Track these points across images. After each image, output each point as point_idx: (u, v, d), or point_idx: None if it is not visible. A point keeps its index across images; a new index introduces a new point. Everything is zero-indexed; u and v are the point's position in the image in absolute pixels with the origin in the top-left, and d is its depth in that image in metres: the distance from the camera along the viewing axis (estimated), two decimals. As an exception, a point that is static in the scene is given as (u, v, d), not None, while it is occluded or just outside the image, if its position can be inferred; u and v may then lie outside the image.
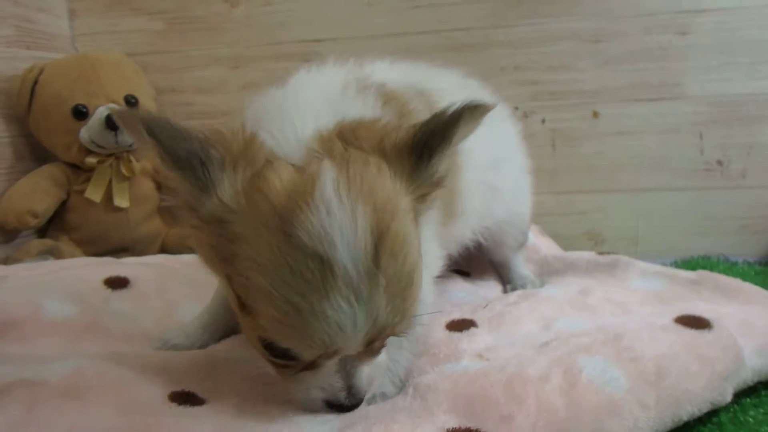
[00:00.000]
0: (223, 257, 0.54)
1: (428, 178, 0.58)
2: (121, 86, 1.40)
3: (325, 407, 0.59)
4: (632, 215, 1.49)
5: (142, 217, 1.48)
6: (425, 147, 0.56)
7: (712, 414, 0.76)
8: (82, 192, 1.40)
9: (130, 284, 1.06)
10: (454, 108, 0.55)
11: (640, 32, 1.41)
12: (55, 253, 1.29)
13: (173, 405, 0.65)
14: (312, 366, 0.56)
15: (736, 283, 0.97)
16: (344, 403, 0.58)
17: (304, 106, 0.62)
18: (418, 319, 0.59)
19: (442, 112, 0.55)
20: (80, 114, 1.35)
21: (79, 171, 1.43)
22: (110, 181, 1.40)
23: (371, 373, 0.59)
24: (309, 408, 0.60)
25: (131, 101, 1.40)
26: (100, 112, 1.34)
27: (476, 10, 1.46)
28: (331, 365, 0.56)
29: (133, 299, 1.02)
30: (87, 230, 1.42)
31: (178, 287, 1.10)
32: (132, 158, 1.42)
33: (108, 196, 1.41)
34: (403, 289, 0.53)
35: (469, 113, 0.55)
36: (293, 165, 0.54)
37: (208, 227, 0.54)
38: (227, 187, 0.53)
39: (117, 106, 1.36)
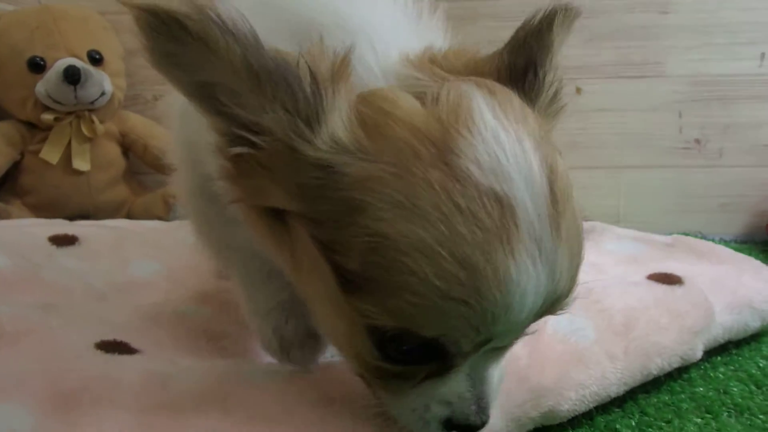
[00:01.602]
0: (319, 217, 0.40)
1: (548, 101, 0.47)
2: (85, 41, 1.33)
3: (442, 430, 0.44)
4: (614, 192, 1.47)
5: (106, 183, 1.41)
6: (529, 63, 0.45)
7: (683, 370, 0.75)
8: (38, 152, 1.32)
9: (79, 242, 1.00)
10: (541, 14, 0.46)
11: (623, 10, 1.40)
12: (2, 215, 1.21)
13: (99, 353, 0.60)
14: (442, 370, 0.42)
15: (709, 245, 0.96)
16: (473, 422, 0.44)
17: (381, 24, 0.48)
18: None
19: (529, 22, 0.46)
20: (37, 66, 1.27)
21: (36, 130, 1.35)
22: (69, 142, 1.33)
23: (499, 380, 0.46)
24: (422, 429, 0.45)
25: (95, 57, 1.34)
26: (59, 65, 1.27)
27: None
28: (464, 368, 0.43)
29: (81, 257, 0.96)
30: (42, 194, 1.34)
31: (133, 247, 1.04)
32: (94, 118, 1.35)
33: (67, 158, 1.34)
34: (580, 244, 0.42)
35: (562, 16, 0.46)
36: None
37: (296, 178, 0.40)
38: (338, 117, 0.39)
39: (78, 61, 1.29)
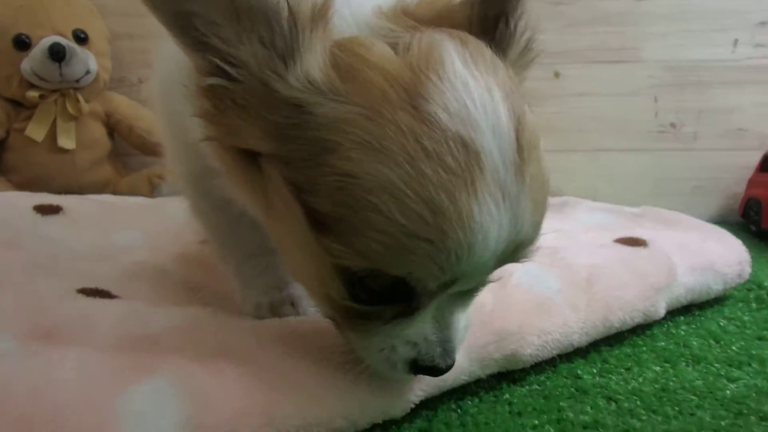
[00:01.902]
0: (289, 158, 0.40)
1: (520, 52, 0.47)
2: (71, 20, 1.35)
3: (408, 371, 0.45)
4: (592, 175, 1.51)
5: (91, 163, 1.43)
6: (500, 14, 0.45)
7: (646, 327, 0.78)
8: (23, 130, 1.33)
9: (63, 211, 1.02)
10: None
11: (601, -4, 1.43)
12: (-12, 190, 1.22)
13: (80, 296, 0.62)
14: (408, 311, 0.43)
15: (676, 214, 0.99)
16: (438, 364, 0.45)
17: None
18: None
19: None
20: (22, 44, 1.29)
21: (21, 108, 1.36)
22: (55, 120, 1.35)
23: (464, 327, 0.47)
24: (387, 374, 0.47)
25: (80, 36, 1.35)
26: (44, 42, 1.28)
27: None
28: (430, 310, 0.44)
29: (64, 225, 0.98)
30: (27, 172, 1.35)
31: (117, 218, 1.06)
32: (80, 97, 1.36)
33: (52, 137, 1.35)
34: (544, 194, 0.43)
35: None
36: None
37: (268, 116, 0.40)
38: (315, 58, 0.39)
39: (63, 39, 1.31)
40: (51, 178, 1.37)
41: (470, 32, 0.45)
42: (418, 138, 0.37)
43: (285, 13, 0.39)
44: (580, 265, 0.73)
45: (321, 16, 0.41)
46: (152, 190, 1.43)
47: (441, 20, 0.45)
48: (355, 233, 0.38)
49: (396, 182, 0.37)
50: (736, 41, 1.43)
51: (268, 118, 0.40)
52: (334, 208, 0.39)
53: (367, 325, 0.45)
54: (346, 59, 0.40)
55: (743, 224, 1.43)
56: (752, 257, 1.14)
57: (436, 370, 0.45)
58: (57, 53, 1.26)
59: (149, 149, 1.48)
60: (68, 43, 1.31)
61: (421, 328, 0.44)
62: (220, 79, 0.41)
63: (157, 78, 0.63)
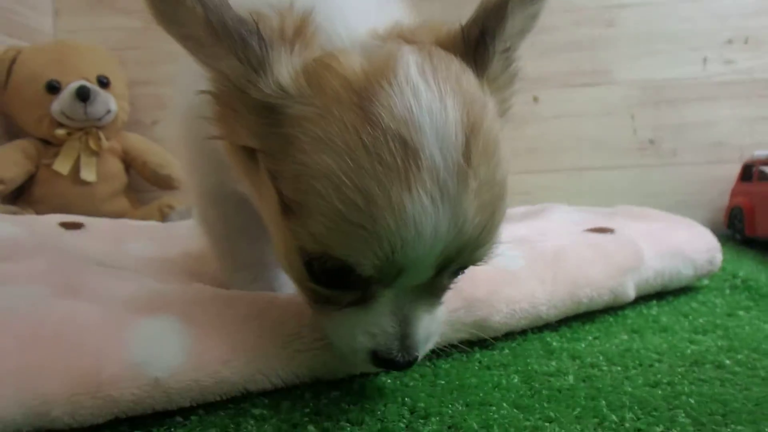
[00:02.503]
0: (268, 151, 0.46)
1: (500, 69, 0.50)
2: (95, 67, 1.51)
3: (371, 362, 0.48)
4: (575, 193, 1.57)
5: (109, 195, 1.55)
6: (482, 34, 0.48)
7: (618, 309, 0.82)
8: (51, 165, 1.47)
9: (85, 227, 1.11)
10: None
11: (573, 24, 1.56)
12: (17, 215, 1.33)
13: (99, 268, 0.70)
14: (363, 299, 0.47)
15: (647, 210, 1.04)
16: (395, 358, 0.47)
17: (351, 5, 0.53)
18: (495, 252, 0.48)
19: None
20: (53, 89, 1.44)
21: (50, 146, 1.50)
22: (78, 156, 1.48)
23: (429, 328, 0.49)
24: (352, 360, 0.51)
25: (103, 81, 1.51)
26: (72, 86, 1.44)
27: (427, 8, 1.61)
28: (386, 301, 0.46)
29: (86, 237, 1.07)
30: (52, 202, 1.47)
31: (131, 233, 1.15)
32: (101, 134, 1.50)
33: (76, 170, 1.48)
34: (494, 200, 0.45)
35: None
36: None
37: (253, 117, 0.46)
38: (284, 68, 0.45)
39: (88, 82, 1.46)
40: (73, 207, 1.47)
41: (453, 51, 0.48)
42: (360, 134, 0.41)
43: (254, 34, 0.45)
44: (545, 246, 0.79)
45: (299, 31, 0.46)
46: (163, 218, 1.54)
47: (430, 41, 0.49)
48: (307, 216, 0.43)
49: (336, 172, 0.41)
50: (705, 59, 1.52)
51: (251, 118, 0.46)
52: (294, 194, 0.44)
53: (328, 308, 0.49)
54: (316, 68, 0.45)
55: (730, 236, 1.47)
56: (734, 259, 1.19)
57: (394, 363, 0.47)
58: (83, 94, 1.41)
59: (160, 182, 1.61)
60: (92, 86, 1.46)
61: (378, 319, 0.47)
62: (216, 88, 0.48)
63: (177, 98, 0.70)
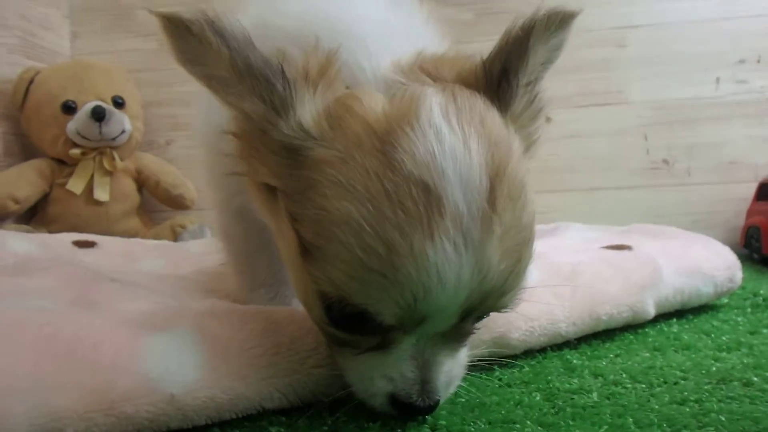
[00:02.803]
0: (289, 192, 0.45)
1: (523, 106, 0.49)
2: (110, 88, 1.53)
3: (390, 406, 0.47)
4: (588, 214, 1.55)
5: (121, 214, 1.56)
6: (504, 70, 0.47)
7: (638, 327, 0.80)
8: (65, 185, 1.48)
9: (97, 246, 1.12)
10: (521, 22, 0.47)
11: (585, 45, 1.56)
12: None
13: (113, 282, 0.70)
14: (383, 344, 0.45)
15: (662, 227, 1.03)
16: (415, 402, 0.46)
17: (375, 32, 0.52)
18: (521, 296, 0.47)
19: (510, 31, 0.47)
20: (69, 109, 1.46)
21: (64, 166, 1.52)
22: (92, 176, 1.49)
23: (450, 372, 0.48)
24: (371, 403, 0.48)
25: (118, 101, 1.53)
26: (88, 106, 1.46)
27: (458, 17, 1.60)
28: (405, 347, 0.45)
29: (98, 255, 1.08)
30: (66, 222, 1.48)
31: (143, 251, 1.16)
32: (115, 154, 1.52)
33: (89, 190, 1.49)
34: (520, 245, 0.43)
35: (542, 24, 0.46)
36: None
37: (274, 157, 0.45)
38: (307, 109, 0.44)
39: (103, 103, 1.48)
40: (86, 227, 1.48)
41: (476, 88, 0.47)
42: (382, 180, 0.40)
43: (279, 75, 0.44)
44: (562, 262, 0.78)
45: (321, 74, 0.46)
46: (175, 238, 1.54)
47: (453, 76, 0.49)
48: (327, 261, 0.42)
49: (357, 218, 0.40)
50: (718, 79, 1.53)
51: (272, 158, 0.46)
52: (314, 238, 0.43)
53: (347, 352, 0.48)
54: (338, 110, 0.44)
55: (747, 255, 1.45)
56: (754, 278, 1.17)
57: (414, 408, 0.46)
58: (98, 114, 1.43)
59: (173, 202, 1.62)
60: (108, 106, 1.48)
61: (397, 364, 0.46)
62: (238, 126, 0.48)
63: (200, 122, 0.71)
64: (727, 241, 1.54)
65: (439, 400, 0.47)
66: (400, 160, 0.40)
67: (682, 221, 1.52)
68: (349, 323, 0.45)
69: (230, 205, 0.72)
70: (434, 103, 0.43)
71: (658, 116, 1.54)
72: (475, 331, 0.51)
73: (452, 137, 0.42)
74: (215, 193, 0.75)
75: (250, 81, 0.44)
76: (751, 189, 1.49)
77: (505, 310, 0.46)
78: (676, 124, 1.53)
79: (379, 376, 0.46)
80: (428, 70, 0.49)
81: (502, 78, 0.47)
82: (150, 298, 0.66)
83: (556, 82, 1.61)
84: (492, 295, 0.44)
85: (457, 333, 0.47)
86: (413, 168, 0.40)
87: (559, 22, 0.48)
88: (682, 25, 1.53)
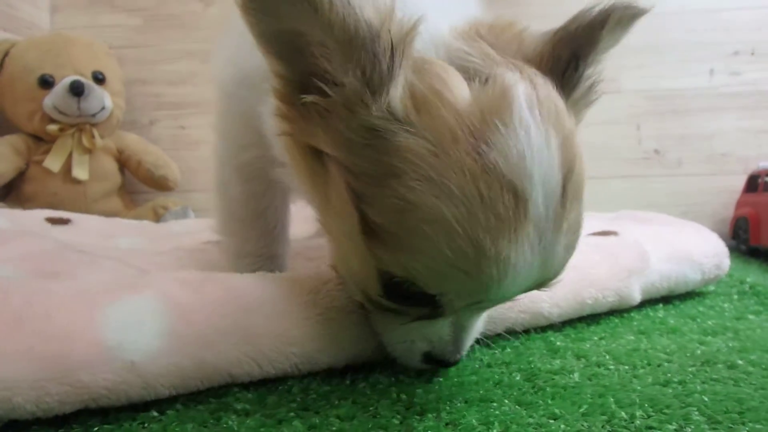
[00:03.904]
0: (357, 171, 0.43)
1: (582, 94, 0.49)
2: (90, 62, 1.48)
3: (422, 361, 0.51)
4: (578, 202, 1.54)
5: (101, 194, 1.51)
6: (573, 56, 0.46)
7: (624, 311, 0.79)
8: (42, 162, 1.43)
9: (72, 223, 1.09)
10: (598, 9, 0.45)
11: (577, 32, 1.54)
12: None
13: (80, 253, 0.67)
14: (433, 315, 0.48)
15: (651, 214, 1.01)
16: (448, 359, 0.51)
17: None
18: None
19: (586, 12, 0.46)
20: (46, 83, 1.41)
21: (41, 142, 1.47)
22: (71, 153, 1.44)
23: (478, 328, 0.53)
24: (406, 361, 0.53)
25: (99, 77, 1.48)
26: (66, 80, 1.40)
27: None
28: (450, 316, 0.48)
29: (72, 232, 1.04)
30: (42, 200, 1.43)
31: (120, 229, 1.12)
32: (95, 132, 1.47)
33: (67, 168, 1.44)
34: (575, 240, 0.46)
35: (617, 15, 0.46)
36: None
37: (346, 131, 0.43)
38: (399, 90, 0.42)
39: (82, 77, 1.43)
40: (64, 206, 1.44)
41: (539, 67, 0.46)
42: (476, 182, 0.40)
43: (387, 50, 0.40)
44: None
45: (408, 43, 0.42)
46: (157, 220, 1.50)
47: (513, 49, 0.47)
48: (403, 250, 0.42)
49: (450, 219, 0.40)
50: (711, 70, 1.51)
51: (345, 133, 0.43)
52: (389, 224, 0.42)
53: (393, 320, 0.50)
54: (424, 91, 0.42)
55: (735, 247, 1.44)
56: (741, 267, 1.16)
57: (444, 363, 0.51)
58: (76, 88, 1.38)
59: (155, 183, 1.58)
60: (87, 81, 1.43)
61: (439, 329, 0.49)
62: (314, 96, 0.43)
63: (220, 66, 0.66)
64: (716, 233, 1.54)
65: (462, 355, 0.51)
66: (495, 162, 0.40)
67: (671, 212, 1.50)
68: (407, 299, 0.46)
69: (236, 159, 0.69)
70: (522, 95, 0.42)
71: (651, 106, 1.52)
72: None
73: (538, 137, 0.42)
74: (222, 143, 0.72)
75: (356, 51, 0.40)
76: (741, 181, 1.48)
77: (546, 289, 0.49)
78: (668, 114, 1.52)
79: (420, 338, 0.50)
80: (488, 38, 0.47)
81: (569, 64, 0.46)
82: (118, 270, 0.63)
83: (549, 69, 1.60)
84: (548, 281, 0.47)
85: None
86: (506, 170, 0.40)
87: (631, 16, 0.48)
88: (676, 15, 1.52)
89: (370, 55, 0.40)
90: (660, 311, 0.80)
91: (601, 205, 1.54)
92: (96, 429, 0.43)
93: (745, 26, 1.53)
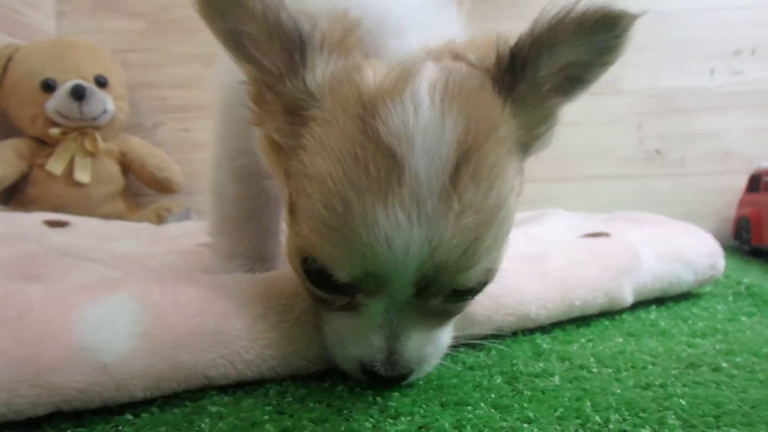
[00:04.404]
0: (286, 146, 0.47)
1: (535, 102, 0.48)
2: (93, 67, 1.50)
3: (360, 372, 0.49)
4: (581, 202, 1.53)
5: (104, 197, 1.53)
6: (515, 55, 0.46)
7: (617, 314, 0.78)
8: (44, 166, 1.45)
9: (70, 225, 1.10)
10: (564, 11, 0.44)
11: (577, 31, 1.53)
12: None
13: (67, 257, 0.68)
14: (352, 305, 0.48)
15: (646, 215, 1.00)
16: (379, 371, 0.47)
17: (411, 12, 0.54)
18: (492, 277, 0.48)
19: (543, 14, 0.45)
20: (48, 87, 1.43)
21: (44, 146, 1.49)
22: (73, 157, 1.46)
23: (423, 347, 0.49)
24: (346, 368, 0.51)
25: (101, 81, 1.50)
26: (68, 84, 1.42)
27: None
28: (374, 314, 0.47)
29: (70, 235, 1.05)
30: (46, 204, 1.45)
31: (118, 232, 1.13)
32: (97, 135, 1.49)
33: (70, 171, 1.46)
34: (479, 226, 0.43)
35: (574, 20, 0.44)
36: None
37: (279, 114, 0.47)
38: (318, 72, 0.46)
39: (85, 81, 1.45)
40: (67, 209, 1.45)
41: (487, 69, 0.47)
42: (354, 144, 0.42)
43: (305, 36, 0.46)
44: (534, 246, 0.75)
45: (340, 41, 0.47)
46: (159, 222, 1.51)
47: (474, 57, 0.49)
48: (299, 216, 0.45)
49: (325, 176, 0.43)
50: (713, 69, 1.49)
51: (278, 115, 0.48)
52: (294, 193, 0.45)
53: (324, 310, 0.50)
54: (341, 77, 0.46)
55: (737, 247, 1.42)
56: (740, 268, 1.14)
57: (378, 376, 0.48)
58: (78, 92, 1.40)
59: (159, 185, 1.59)
60: (89, 85, 1.45)
61: (364, 328, 0.47)
62: (256, 84, 0.49)
63: (222, 72, 0.70)
64: (718, 232, 1.52)
65: (406, 374, 0.49)
66: (375, 128, 0.42)
67: (673, 211, 1.49)
68: (320, 280, 0.47)
69: (232, 161, 0.71)
70: (425, 77, 0.45)
71: (653, 105, 1.51)
72: (453, 311, 0.51)
73: (430, 113, 0.43)
74: (220, 146, 0.74)
75: (278, 38, 0.45)
76: (743, 180, 1.46)
77: (470, 287, 0.47)
78: (670, 113, 1.50)
79: (350, 340, 0.49)
80: (456, 52, 0.49)
81: (510, 62, 0.47)
82: (100, 273, 0.63)
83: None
84: (446, 269, 0.44)
85: (429, 309, 0.48)
86: (384, 136, 0.42)
87: (597, 21, 0.44)
88: (677, 14, 1.50)
89: (290, 40, 0.45)
90: (652, 313, 0.79)
91: (602, 205, 1.53)
92: (69, 432, 0.44)
93: (746, 25, 1.51)
